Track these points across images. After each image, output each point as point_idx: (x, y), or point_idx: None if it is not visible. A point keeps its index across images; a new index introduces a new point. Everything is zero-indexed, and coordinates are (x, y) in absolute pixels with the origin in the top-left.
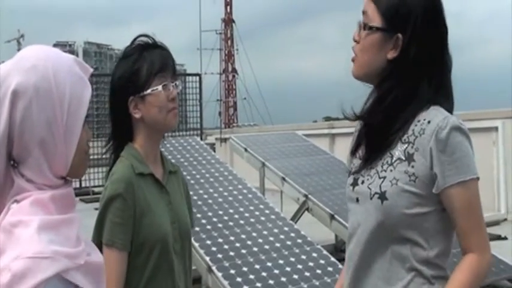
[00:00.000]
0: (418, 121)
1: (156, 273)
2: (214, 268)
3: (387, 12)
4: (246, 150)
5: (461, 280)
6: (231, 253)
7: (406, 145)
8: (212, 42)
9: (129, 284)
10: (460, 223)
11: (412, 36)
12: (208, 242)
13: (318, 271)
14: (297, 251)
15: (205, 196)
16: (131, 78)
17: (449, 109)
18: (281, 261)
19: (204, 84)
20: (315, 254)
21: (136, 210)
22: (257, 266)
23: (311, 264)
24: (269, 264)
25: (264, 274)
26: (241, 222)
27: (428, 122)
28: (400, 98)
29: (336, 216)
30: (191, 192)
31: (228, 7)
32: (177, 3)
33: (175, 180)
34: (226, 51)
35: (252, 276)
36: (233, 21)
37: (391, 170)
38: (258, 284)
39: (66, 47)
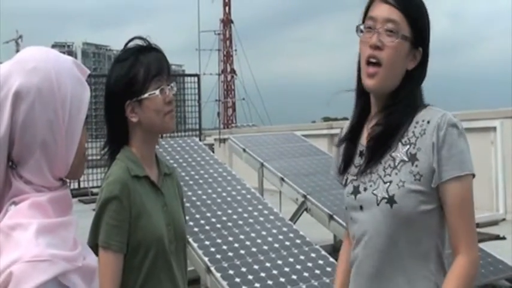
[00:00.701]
0: (417, 122)
1: (152, 274)
2: (212, 268)
3: (416, 24)
4: (244, 150)
5: None
6: (230, 253)
7: (408, 146)
8: (211, 43)
9: (125, 285)
10: (451, 219)
11: (428, 49)
12: (207, 242)
13: (317, 271)
14: (296, 251)
15: (204, 197)
16: (128, 83)
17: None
18: (280, 262)
19: (203, 85)
20: (313, 255)
21: (132, 212)
22: (256, 267)
23: (310, 264)
24: (268, 264)
25: (262, 274)
26: (240, 222)
27: (428, 122)
28: (409, 105)
29: (334, 216)
30: (190, 193)
31: (227, 7)
32: (175, 3)
33: (170, 183)
34: (225, 52)
35: (250, 277)
36: (232, 22)
37: (396, 173)
38: (257, 285)
39: (65, 47)
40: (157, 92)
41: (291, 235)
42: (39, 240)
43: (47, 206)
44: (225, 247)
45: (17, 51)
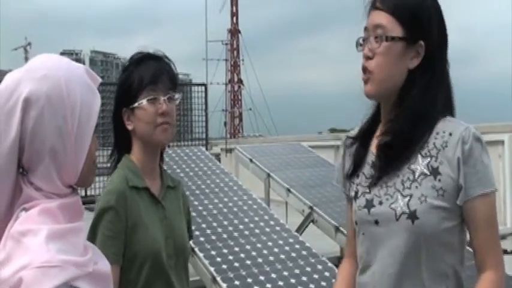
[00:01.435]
0: (437, 133)
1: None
2: (218, 279)
3: (407, 19)
4: (251, 161)
5: None
6: (236, 264)
7: (429, 159)
8: (218, 53)
9: None
10: (478, 236)
11: (434, 41)
12: (213, 252)
13: (323, 283)
14: (302, 262)
15: (211, 206)
16: (123, 91)
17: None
18: (286, 273)
19: (210, 94)
20: (320, 266)
21: (129, 223)
22: (262, 278)
23: (316, 276)
24: (274, 275)
25: (268, 286)
26: (246, 233)
27: (450, 134)
28: (422, 108)
29: (341, 228)
30: (196, 203)
31: (234, 18)
32: (183, 13)
33: (174, 196)
34: (232, 62)
35: None
36: (239, 32)
37: (416, 187)
38: None
39: (73, 55)
40: (144, 101)
41: (297, 246)
42: (50, 246)
43: (57, 212)
44: (231, 257)
45: (26, 58)
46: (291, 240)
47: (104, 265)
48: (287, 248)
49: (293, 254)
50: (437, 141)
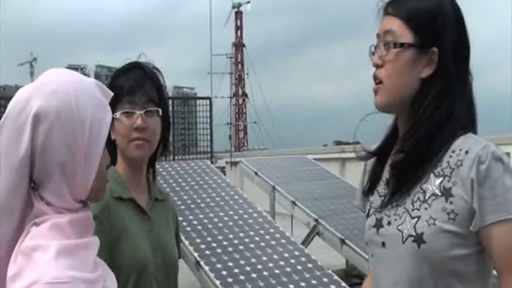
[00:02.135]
0: (453, 151)
1: None
2: None
3: (419, 24)
4: (256, 174)
5: None
6: (241, 277)
7: (442, 178)
8: (223, 66)
9: None
10: (500, 263)
11: (449, 48)
12: (219, 265)
13: None
14: (308, 275)
15: (216, 219)
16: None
17: (475, 134)
18: (291, 286)
19: (215, 108)
20: (325, 279)
21: (113, 234)
22: None
23: None
24: None
25: None
26: (252, 246)
27: (466, 152)
28: (437, 121)
29: (346, 241)
30: (201, 216)
31: (239, 31)
32: (188, 27)
33: (162, 209)
34: (237, 75)
35: None
36: (244, 46)
37: (425, 208)
38: None
39: (78, 70)
40: (118, 114)
41: (303, 259)
42: (59, 262)
43: (68, 228)
44: (236, 270)
45: (31, 73)
46: (296, 253)
47: (112, 283)
48: (293, 260)
49: (299, 267)
50: (452, 159)
